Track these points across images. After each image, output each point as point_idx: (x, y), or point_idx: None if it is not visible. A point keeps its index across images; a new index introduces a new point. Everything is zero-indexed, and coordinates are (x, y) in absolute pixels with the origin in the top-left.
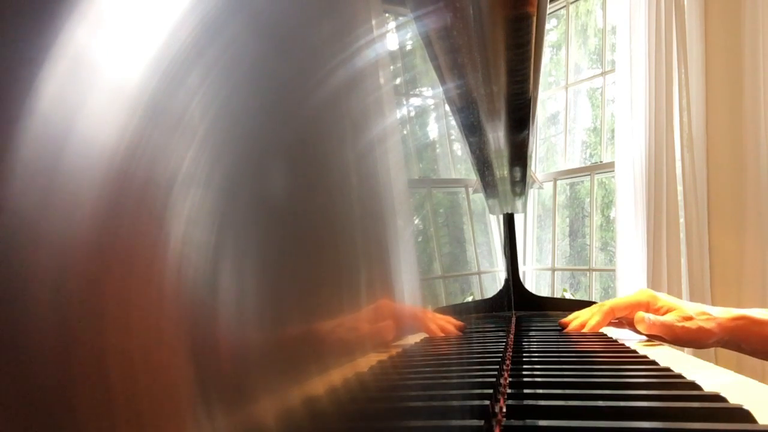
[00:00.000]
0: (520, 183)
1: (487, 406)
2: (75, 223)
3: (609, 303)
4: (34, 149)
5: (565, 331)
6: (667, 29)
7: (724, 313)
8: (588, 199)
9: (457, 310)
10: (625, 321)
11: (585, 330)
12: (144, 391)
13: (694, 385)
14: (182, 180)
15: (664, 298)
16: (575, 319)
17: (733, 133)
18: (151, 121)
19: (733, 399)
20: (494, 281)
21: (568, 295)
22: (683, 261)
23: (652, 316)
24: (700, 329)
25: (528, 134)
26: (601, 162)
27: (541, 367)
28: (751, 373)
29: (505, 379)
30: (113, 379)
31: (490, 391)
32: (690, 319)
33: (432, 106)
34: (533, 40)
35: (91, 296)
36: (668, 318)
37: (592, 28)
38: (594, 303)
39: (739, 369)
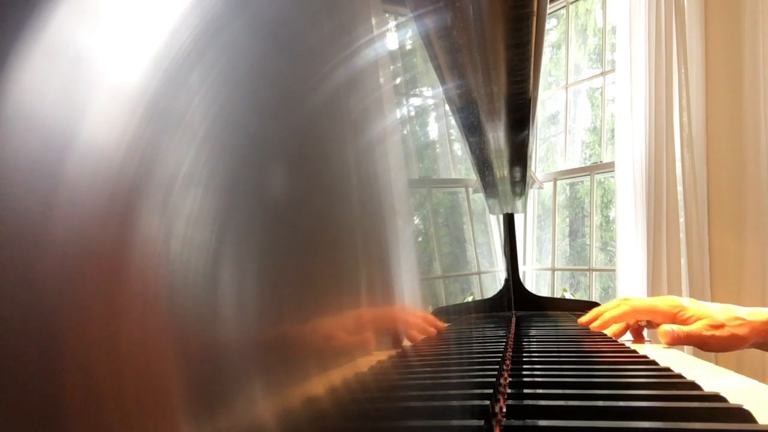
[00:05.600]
0: (520, 183)
1: (487, 406)
2: (76, 223)
3: (631, 301)
4: (35, 149)
5: (581, 322)
6: (667, 29)
7: (757, 315)
8: (588, 199)
9: (457, 310)
10: (654, 324)
11: (599, 322)
12: (145, 391)
13: (694, 385)
14: (183, 180)
15: (692, 307)
16: (596, 318)
17: (733, 133)
18: (152, 121)
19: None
20: (494, 281)
21: (568, 295)
22: (683, 261)
23: (676, 328)
24: (732, 336)
25: (528, 134)
26: (600, 162)
27: (541, 367)
28: (750, 373)
29: (505, 379)
30: (121, 379)
31: (490, 391)
32: (721, 326)
33: (432, 106)
34: (533, 40)
35: (94, 296)
36: (696, 327)
37: (591, 27)
38: (594, 303)
39: (738, 369)
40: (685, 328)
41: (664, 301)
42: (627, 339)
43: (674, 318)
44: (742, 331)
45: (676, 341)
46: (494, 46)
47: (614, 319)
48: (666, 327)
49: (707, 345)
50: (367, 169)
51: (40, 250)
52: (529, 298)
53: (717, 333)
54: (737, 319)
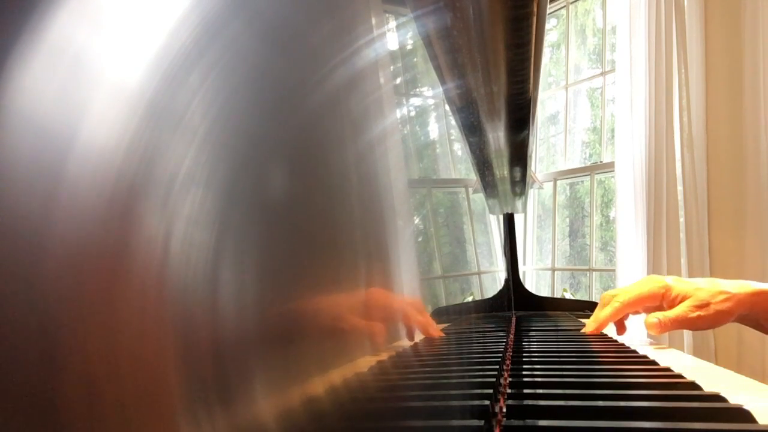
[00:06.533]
0: (520, 183)
1: (487, 406)
2: (76, 223)
3: (620, 299)
4: (35, 149)
5: (582, 331)
6: (667, 29)
7: (742, 287)
8: (588, 199)
9: (457, 310)
10: (645, 310)
11: (593, 323)
12: (145, 390)
13: (694, 385)
14: (183, 180)
15: (677, 286)
16: (600, 327)
17: (733, 133)
18: (152, 121)
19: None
20: (494, 281)
21: (568, 295)
22: (683, 261)
23: (662, 316)
24: (717, 313)
25: (528, 134)
26: (600, 162)
27: (541, 367)
28: (750, 373)
29: (505, 379)
30: (121, 378)
31: (490, 391)
32: (706, 305)
33: (432, 106)
34: (533, 40)
35: (94, 295)
36: (681, 310)
37: (591, 27)
38: (594, 303)
39: (739, 369)
40: (670, 314)
41: (649, 285)
42: (610, 330)
43: (662, 300)
44: (726, 306)
45: (665, 329)
46: (494, 46)
47: (608, 319)
48: (652, 318)
49: (694, 326)
50: (367, 169)
51: (41, 250)
52: (529, 298)
53: (702, 313)
54: (722, 293)
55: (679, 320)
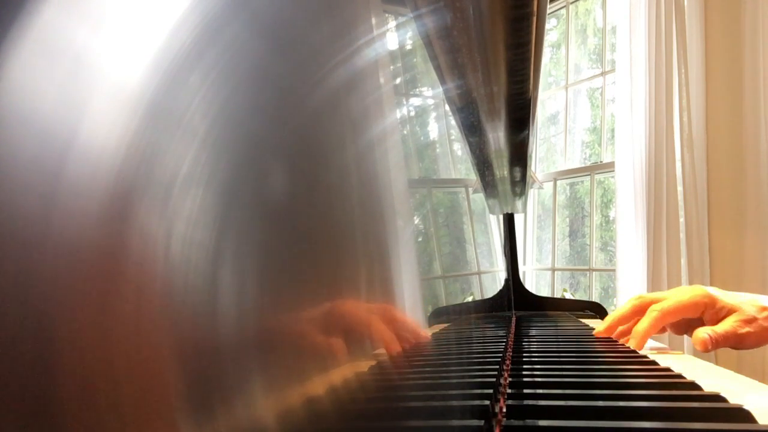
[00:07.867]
0: (520, 183)
1: (487, 406)
2: (76, 223)
3: (659, 308)
4: (35, 149)
5: (598, 334)
6: (667, 29)
7: None
8: (588, 199)
9: (457, 310)
10: (683, 325)
11: (636, 340)
12: (144, 390)
13: (694, 385)
14: (183, 180)
15: (724, 299)
16: (614, 324)
17: (733, 133)
18: (152, 121)
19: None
20: (494, 281)
21: (568, 295)
22: (683, 261)
23: (711, 332)
24: (764, 330)
25: (528, 134)
26: (600, 162)
27: (541, 367)
28: (750, 373)
29: (505, 379)
30: (120, 378)
31: (490, 391)
32: (753, 320)
33: (432, 106)
34: (533, 40)
35: (93, 296)
36: (728, 326)
37: (591, 27)
38: (594, 303)
39: (738, 369)
40: (719, 329)
41: (691, 292)
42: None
43: (704, 310)
44: None
45: (716, 346)
46: (494, 46)
47: (648, 332)
48: (702, 334)
49: (742, 343)
50: (367, 169)
51: (40, 250)
52: (529, 298)
53: (750, 329)
54: (765, 309)
55: (728, 337)
